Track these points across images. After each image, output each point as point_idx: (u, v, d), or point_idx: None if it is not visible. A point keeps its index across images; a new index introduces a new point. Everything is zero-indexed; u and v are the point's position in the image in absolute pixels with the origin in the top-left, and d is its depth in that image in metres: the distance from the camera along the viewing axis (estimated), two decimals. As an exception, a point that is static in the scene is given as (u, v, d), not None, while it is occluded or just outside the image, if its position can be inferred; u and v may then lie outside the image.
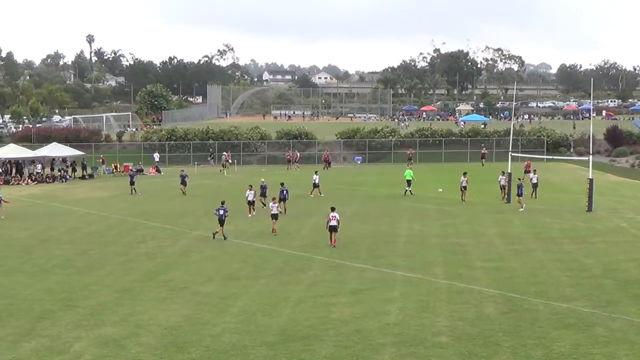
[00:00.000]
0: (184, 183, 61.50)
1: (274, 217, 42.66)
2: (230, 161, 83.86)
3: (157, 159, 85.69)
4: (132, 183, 62.20)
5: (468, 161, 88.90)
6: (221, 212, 40.88)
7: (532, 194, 55.61)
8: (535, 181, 56.49)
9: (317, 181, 58.73)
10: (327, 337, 23.94)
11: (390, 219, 47.99)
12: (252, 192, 49.33)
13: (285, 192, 49.56)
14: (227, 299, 29.05)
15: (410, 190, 57.75)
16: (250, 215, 48.56)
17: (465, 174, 55.46)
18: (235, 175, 77.49)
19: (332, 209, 38.99)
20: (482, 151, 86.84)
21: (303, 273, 33.28)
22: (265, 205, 50.32)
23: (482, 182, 61.60)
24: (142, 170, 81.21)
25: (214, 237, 41.04)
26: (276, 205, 43.35)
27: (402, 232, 43.34)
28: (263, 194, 51.89)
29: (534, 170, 58.25)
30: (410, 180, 58.49)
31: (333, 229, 38.58)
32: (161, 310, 27.32)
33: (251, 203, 49.25)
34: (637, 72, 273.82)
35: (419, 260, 35.60)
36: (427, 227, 44.78)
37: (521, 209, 50.68)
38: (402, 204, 54.48)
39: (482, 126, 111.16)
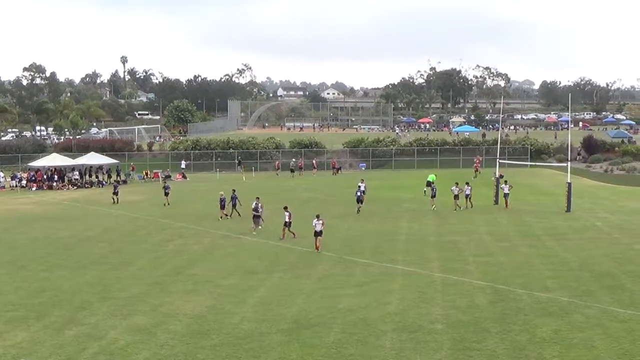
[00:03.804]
0: (166, 194, 56.72)
1: (318, 234, 37.17)
2: (302, 167, 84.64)
3: (183, 166, 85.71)
4: (166, 194, 57.02)
5: (460, 167, 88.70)
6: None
7: (505, 204, 52.46)
8: (507, 191, 52.67)
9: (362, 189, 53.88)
10: (335, 324, 23.93)
11: (392, 219, 47.90)
12: (260, 203, 43.77)
13: (235, 199, 48.51)
14: (246, 291, 29.05)
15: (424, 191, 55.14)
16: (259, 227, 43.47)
17: (467, 183, 53.35)
18: (252, 181, 77.45)
19: (317, 216, 37.45)
20: (476, 162, 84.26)
21: (313, 268, 33.26)
22: (240, 215, 47.76)
23: (475, 187, 61.45)
24: (169, 176, 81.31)
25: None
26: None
27: (402, 231, 43.26)
28: (234, 205, 48.77)
29: (505, 181, 54.40)
30: (430, 182, 57.88)
31: (318, 234, 36.99)
32: (187, 301, 27.35)
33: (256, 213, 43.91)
34: (609, 87, 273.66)
35: (417, 256, 35.54)
36: (425, 227, 44.68)
37: (433, 207, 51.27)
38: (402, 205, 54.36)
39: (482, 137, 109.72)
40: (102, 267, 34.07)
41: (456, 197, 51.29)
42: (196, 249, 38.46)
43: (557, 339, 21.98)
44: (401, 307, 25.98)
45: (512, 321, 23.89)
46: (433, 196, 52.66)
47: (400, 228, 44.25)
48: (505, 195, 52.66)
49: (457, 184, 52.56)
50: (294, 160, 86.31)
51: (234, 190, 50.21)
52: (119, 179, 76.62)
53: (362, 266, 33.35)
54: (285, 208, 40.81)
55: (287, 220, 40.32)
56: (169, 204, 56.02)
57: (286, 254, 36.46)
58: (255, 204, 43.24)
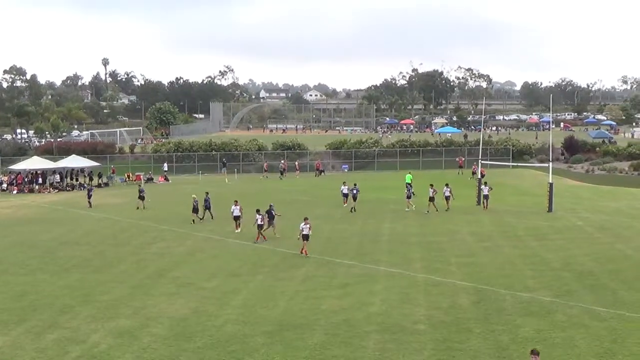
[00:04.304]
0: (141, 198, 55.81)
1: (305, 238, 36.36)
2: (285, 168, 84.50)
3: (165, 169, 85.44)
4: (141, 198, 55.91)
5: (443, 168, 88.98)
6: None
7: (483, 206, 52.52)
8: (487, 193, 52.58)
9: (345, 191, 54.71)
10: (319, 326, 23.96)
11: (375, 220, 47.96)
12: (238, 207, 43.65)
13: (208, 201, 48.50)
14: (229, 293, 29.02)
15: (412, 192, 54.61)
16: (237, 231, 43.19)
17: (447, 184, 53.11)
18: (235, 183, 77.35)
19: (305, 219, 36.54)
20: (459, 161, 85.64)
21: (297, 270, 33.25)
22: (212, 218, 48.03)
23: (457, 188, 61.64)
24: (152, 179, 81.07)
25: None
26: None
27: (385, 232, 43.34)
28: (207, 207, 48.62)
29: (485, 182, 54.11)
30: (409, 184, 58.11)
31: (305, 238, 36.12)
32: (170, 304, 27.29)
33: (237, 218, 43.62)
34: (590, 88, 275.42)
35: (400, 256, 35.62)
36: (407, 227, 44.77)
37: (407, 209, 51.86)
38: (385, 206, 54.41)
39: (465, 137, 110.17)
40: (84, 271, 33.90)
41: (431, 199, 50.89)
42: (179, 252, 38.33)
43: (539, 339, 22.12)
44: (384, 308, 26.03)
45: (495, 321, 24.01)
46: (409, 197, 52.90)
47: (383, 229, 44.31)
48: (485, 197, 52.65)
49: (431, 185, 52.04)
50: (282, 162, 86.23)
51: (207, 193, 50.02)
52: (97, 181, 76.44)
53: (346, 267, 33.37)
54: (258, 211, 40.59)
55: (259, 223, 40.17)
56: (144, 207, 55.48)
57: (269, 256, 36.41)
58: (234, 207, 43.44)
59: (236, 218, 43.63)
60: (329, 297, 27.98)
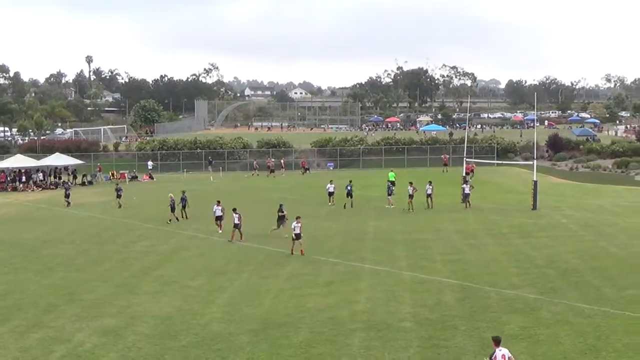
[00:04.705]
0: (119, 197, 55.54)
1: (297, 237, 35.80)
2: (270, 166, 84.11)
3: (150, 167, 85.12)
4: (118, 197, 55.69)
5: (428, 166, 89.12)
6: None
7: (465, 204, 51.91)
8: (468, 191, 52.33)
9: (331, 189, 54.84)
10: (304, 324, 23.96)
11: (360, 218, 47.98)
12: (220, 207, 43.03)
13: (184, 200, 48.13)
14: (214, 291, 28.97)
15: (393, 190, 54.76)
16: (220, 232, 42.44)
17: (430, 182, 52.85)
18: (220, 181, 77.23)
19: (297, 218, 36.00)
20: (444, 158, 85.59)
21: (282, 268, 33.23)
22: (187, 217, 47.83)
23: (442, 186, 61.84)
24: (136, 177, 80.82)
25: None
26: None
27: (370, 230, 43.37)
28: (184, 206, 48.21)
29: (466, 181, 54.22)
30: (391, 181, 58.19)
31: (297, 237, 35.52)
32: (154, 303, 27.21)
33: (219, 218, 42.94)
34: (574, 86, 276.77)
35: (385, 254, 35.65)
36: (393, 225, 44.80)
37: (388, 206, 52.25)
38: (370, 204, 54.45)
39: (450, 135, 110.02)
40: (68, 269, 33.76)
41: (411, 196, 50.59)
42: (163, 250, 38.23)
43: (524, 335, 22.20)
44: (370, 305, 26.05)
45: (480, 318, 24.08)
46: (390, 194, 53.07)
47: (368, 227, 44.34)
48: (466, 195, 52.43)
49: (411, 183, 51.61)
50: (273, 160, 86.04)
51: (183, 192, 49.64)
52: (81, 180, 76.24)
53: (331, 265, 33.37)
54: (234, 210, 40.28)
55: (236, 222, 39.72)
56: (120, 206, 55.15)
57: (254, 254, 36.36)
58: (215, 207, 43.00)
59: (218, 218, 42.98)
60: (314, 295, 27.97)
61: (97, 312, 26.06)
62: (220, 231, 42.41)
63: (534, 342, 21.64)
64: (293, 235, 35.75)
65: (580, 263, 32.73)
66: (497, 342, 17.62)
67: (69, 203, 57.03)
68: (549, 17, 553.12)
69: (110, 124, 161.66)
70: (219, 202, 43.67)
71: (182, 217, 48.08)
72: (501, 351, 17.37)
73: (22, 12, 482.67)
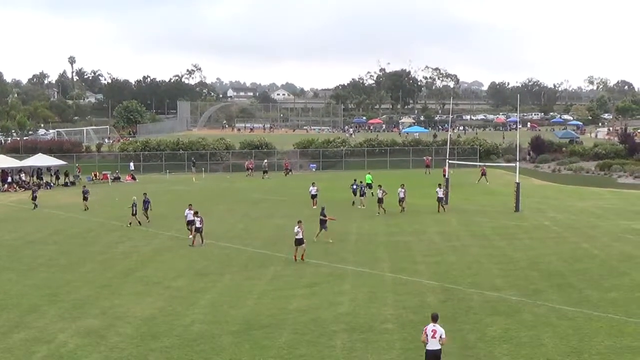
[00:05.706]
0: (85, 199, 54.93)
1: (299, 242, 34.66)
2: (251, 168, 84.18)
3: (132, 168, 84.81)
4: (85, 199, 55.05)
5: (410, 167, 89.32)
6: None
7: (438, 208, 50.99)
8: (441, 195, 51.40)
9: (313, 192, 54.36)
10: (286, 325, 23.94)
11: (342, 219, 47.88)
12: (192, 211, 41.32)
13: (147, 202, 47.49)
14: (197, 292, 28.91)
15: (372, 192, 55.24)
16: (191, 236, 40.23)
17: (402, 185, 51.94)
18: (202, 182, 77.05)
19: (298, 222, 34.76)
20: (426, 160, 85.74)
21: (265, 269, 33.20)
22: (149, 219, 47.03)
23: (424, 187, 62.01)
24: (119, 178, 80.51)
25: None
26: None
27: (353, 231, 43.38)
28: (146, 209, 47.31)
29: (439, 185, 52.83)
30: (370, 184, 58.43)
31: (300, 242, 34.47)
32: (137, 304, 27.11)
33: (190, 222, 41.03)
34: (557, 88, 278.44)
35: (367, 256, 35.69)
36: (375, 227, 44.87)
37: (361, 206, 52.84)
38: (352, 206, 54.40)
39: (434, 137, 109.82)
40: (51, 270, 33.60)
41: (380, 200, 50.18)
42: (146, 251, 38.10)
43: (506, 338, 22.26)
44: (352, 307, 26.06)
45: (462, 320, 24.13)
46: (362, 195, 53.68)
47: (351, 228, 44.32)
48: (439, 199, 51.55)
49: (380, 186, 51.27)
50: (266, 161, 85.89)
51: (145, 194, 49.11)
52: (63, 180, 75.85)
53: (314, 267, 33.36)
54: (196, 213, 39.91)
55: (198, 225, 39.04)
56: (87, 208, 54.57)
57: (237, 255, 36.32)
58: (187, 212, 41.78)
59: (190, 222, 41.16)
60: (297, 296, 27.96)
61: (80, 312, 25.94)
62: (191, 236, 40.23)
63: (517, 344, 21.70)
64: (295, 240, 34.70)
65: (563, 265, 32.87)
66: (434, 319, 18.92)
67: (35, 205, 55.96)
68: (531, 19, 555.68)
69: (93, 124, 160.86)
70: (190, 205, 42.44)
71: (147, 219, 47.30)
72: (435, 327, 18.68)
73: (4, 12, 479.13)
